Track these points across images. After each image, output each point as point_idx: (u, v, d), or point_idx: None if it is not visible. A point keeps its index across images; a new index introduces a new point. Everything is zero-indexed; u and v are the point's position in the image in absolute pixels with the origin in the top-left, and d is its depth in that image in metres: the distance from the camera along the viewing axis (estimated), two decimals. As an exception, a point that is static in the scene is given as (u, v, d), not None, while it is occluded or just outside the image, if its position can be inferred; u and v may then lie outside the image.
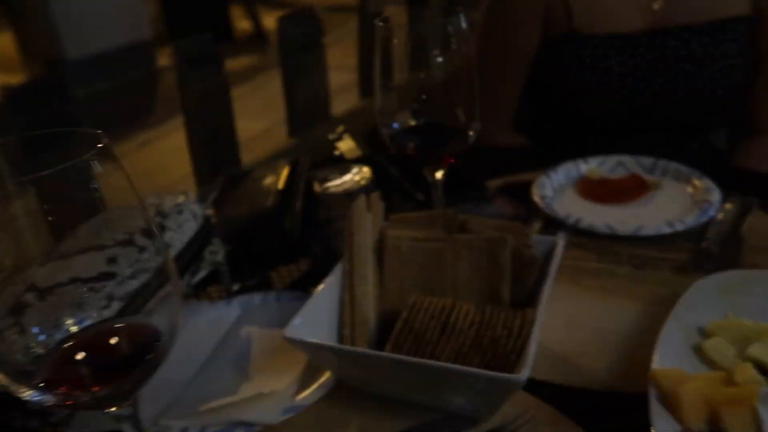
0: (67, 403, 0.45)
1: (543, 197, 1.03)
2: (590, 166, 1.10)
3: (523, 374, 0.54)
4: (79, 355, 0.47)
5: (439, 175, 0.84)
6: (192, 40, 1.13)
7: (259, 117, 4.18)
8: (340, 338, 0.69)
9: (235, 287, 0.88)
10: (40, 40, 5.51)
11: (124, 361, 0.46)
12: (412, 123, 0.82)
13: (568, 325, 0.76)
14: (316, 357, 0.66)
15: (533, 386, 0.67)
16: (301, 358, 0.73)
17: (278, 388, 0.68)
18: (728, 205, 0.95)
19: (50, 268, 0.49)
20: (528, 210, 1.03)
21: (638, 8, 1.23)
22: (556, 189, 1.07)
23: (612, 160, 1.11)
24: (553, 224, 0.98)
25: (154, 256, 0.48)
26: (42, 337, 0.48)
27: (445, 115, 0.81)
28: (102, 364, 0.46)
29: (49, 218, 0.45)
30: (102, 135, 0.42)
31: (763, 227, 0.90)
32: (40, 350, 0.48)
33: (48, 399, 0.45)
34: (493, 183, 1.12)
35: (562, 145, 1.34)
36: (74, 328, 0.50)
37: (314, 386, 0.69)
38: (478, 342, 0.61)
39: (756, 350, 0.63)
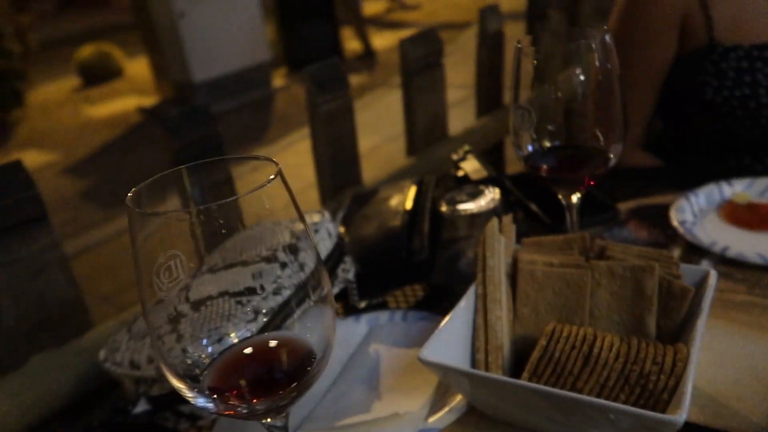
0: (227, 412, 0.48)
1: (683, 222, 0.97)
2: (736, 190, 1.03)
3: (680, 415, 0.51)
4: (242, 368, 0.49)
5: (575, 198, 0.82)
6: (321, 65, 1.18)
7: (371, 133, 4.28)
8: (474, 363, 0.68)
9: (362, 304, 0.90)
10: (172, 65, 6.00)
11: (284, 376, 0.48)
12: (548, 144, 0.80)
13: (718, 362, 0.71)
14: (450, 380, 0.66)
15: (683, 429, 0.63)
16: (432, 379, 0.73)
17: (411, 409, 0.69)
18: None
19: (201, 281, 0.53)
20: (665, 235, 0.97)
21: None
22: (697, 213, 1.00)
23: (761, 182, 1.03)
24: (694, 252, 0.91)
25: (296, 273, 0.50)
26: (196, 346, 0.52)
27: (585, 135, 0.79)
28: (263, 377, 0.49)
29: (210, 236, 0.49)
30: (275, 162, 0.45)
31: None
32: (195, 357, 0.51)
33: (212, 406, 0.47)
34: (626, 206, 1.07)
35: (700, 164, 1.25)
36: (231, 337, 0.54)
37: (446, 409, 0.68)
38: (624, 376, 0.58)
39: None
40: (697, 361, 0.70)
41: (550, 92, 0.79)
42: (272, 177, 0.44)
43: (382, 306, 0.90)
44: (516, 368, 0.68)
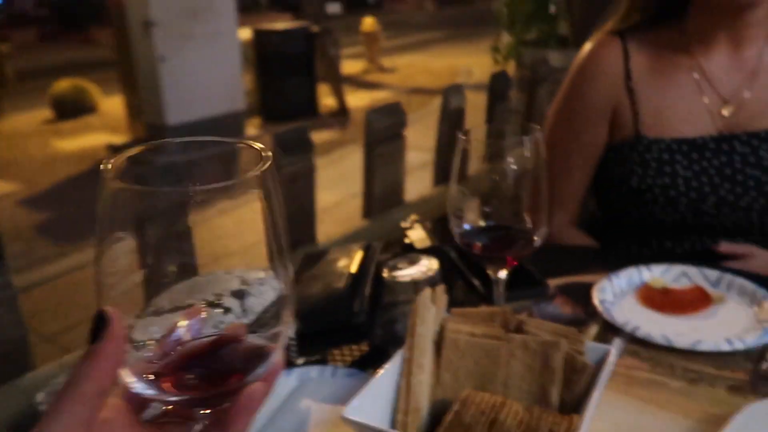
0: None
1: (603, 301, 1.06)
2: (653, 274, 1.13)
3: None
4: (186, 360, 0.51)
5: (502, 273, 0.90)
6: (289, 131, 1.27)
7: (334, 188, 4.37)
8: (393, 423, 0.74)
9: (300, 361, 0.96)
10: (147, 106, 6.08)
11: (226, 370, 0.51)
12: (482, 224, 0.89)
13: (619, 428, 0.78)
14: (370, 438, 0.72)
15: (577, 492, 0.69)
16: (357, 436, 0.79)
17: (334, 464, 0.73)
18: (792, 327, 0.95)
19: (145, 322, 0.57)
20: (586, 312, 1.06)
21: (708, 114, 1.27)
22: (616, 294, 1.10)
23: (676, 269, 1.13)
24: (610, 329, 1.00)
25: (239, 318, 0.52)
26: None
27: (514, 219, 0.88)
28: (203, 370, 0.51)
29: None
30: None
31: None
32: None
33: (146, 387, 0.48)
34: (556, 282, 1.16)
35: (626, 246, 1.36)
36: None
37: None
38: (531, 445, 0.65)
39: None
40: (594, 431, 0.77)
41: (488, 179, 0.89)
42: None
43: (319, 363, 0.95)
44: (432, 430, 0.74)
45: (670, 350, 0.93)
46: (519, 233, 0.90)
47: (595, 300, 1.06)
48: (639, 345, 0.95)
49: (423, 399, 0.75)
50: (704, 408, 0.81)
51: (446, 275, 1.11)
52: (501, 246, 0.90)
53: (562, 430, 0.65)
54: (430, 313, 0.82)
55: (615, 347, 0.97)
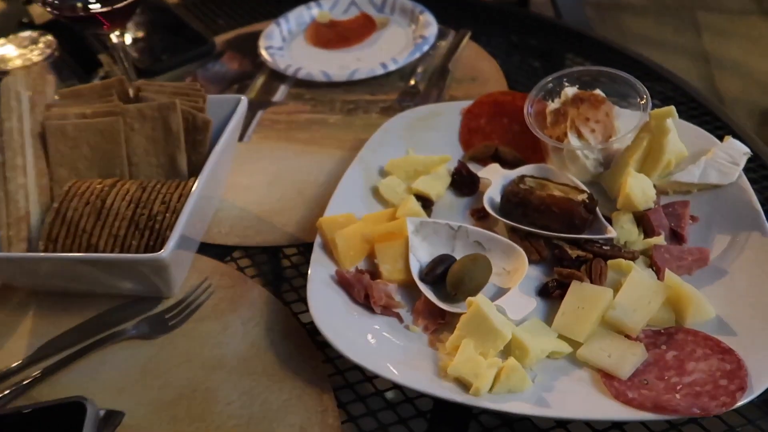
0: None
1: (269, 48, 0.97)
2: (321, 9, 1.05)
3: (164, 252, 0.52)
4: None
5: (116, 38, 0.74)
6: None
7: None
8: None
9: None
10: None
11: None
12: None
13: (271, 183, 0.75)
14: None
15: (224, 252, 0.67)
16: None
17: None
18: (442, 42, 0.96)
19: None
20: (254, 64, 0.97)
21: None
22: (286, 38, 1.01)
23: (344, 0, 1.06)
24: (276, 77, 0.93)
25: None
26: None
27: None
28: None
29: None
30: None
31: (469, 59, 0.92)
32: None
33: None
34: (223, 38, 1.03)
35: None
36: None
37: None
38: (135, 223, 0.58)
39: (419, 184, 0.67)
40: (251, 186, 0.73)
41: None
42: None
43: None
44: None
45: (331, 86, 0.90)
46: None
47: (262, 49, 0.96)
48: (303, 87, 0.90)
49: (27, 206, 0.63)
50: (357, 135, 0.80)
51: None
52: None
53: (174, 199, 0.58)
54: (20, 103, 0.66)
55: (279, 92, 0.92)
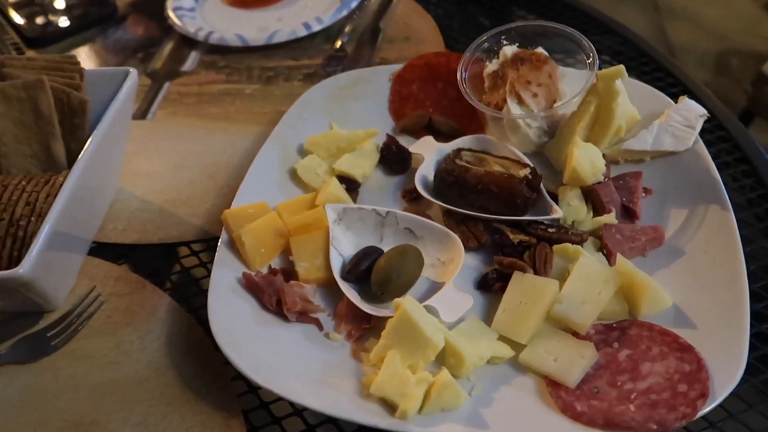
0: None
1: (178, 9, 0.86)
2: (238, -37, 0.93)
3: (22, 267, 0.43)
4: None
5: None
6: None
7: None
8: None
9: None
10: None
11: None
12: None
13: (177, 167, 0.66)
14: None
15: (121, 252, 0.58)
16: None
17: None
18: (373, -6, 0.86)
19: None
20: (162, 28, 0.85)
21: None
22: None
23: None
24: (186, 42, 0.82)
25: None
26: None
27: None
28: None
29: None
30: None
31: (402, 17, 0.83)
32: None
33: None
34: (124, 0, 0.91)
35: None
36: None
37: None
38: (7, 230, 0.48)
39: (342, 163, 0.58)
40: (156, 172, 0.64)
41: None
42: None
43: None
44: None
45: (248, 51, 0.79)
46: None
47: (169, 10, 0.85)
48: (216, 54, 0.80)
49: None
50: (277, 107, 0.71)
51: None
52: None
53: (41, 197, 0.49)
54: None
55: (190, 61, 0.81)
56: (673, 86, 0.69)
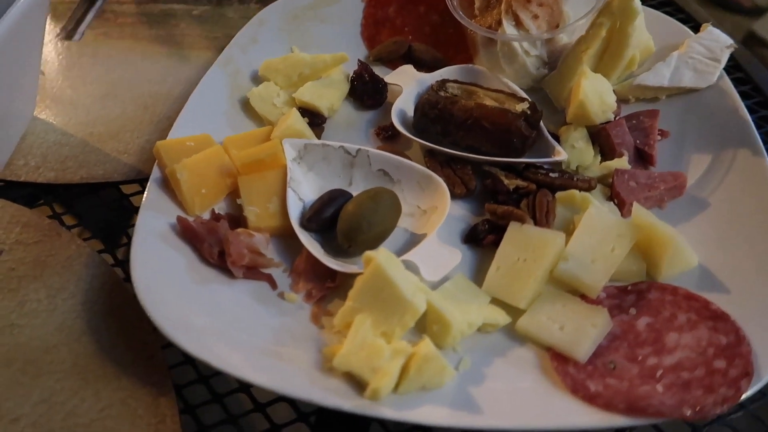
0: None
1: None
2: None
3: None
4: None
5: None
6: None
7: None
8: None
9: None
10: None
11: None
12: None
13: (106, 96, 0.55)
14: None
15: (34, 193, 0.48)
16: None
17: None
18: None
19: None
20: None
21: None
22: None
23: None
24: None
25: None
26: None
27: None
28: None
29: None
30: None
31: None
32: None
33: None
34: None
35: None
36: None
37: None
38: None
39: (305, 93, 0.49)
40: (81, 102, 0.53)
41: None
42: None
43: None
44: None
45: (198, -33, 0.68)
46: None
47: None
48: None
49: None
50: (229, 32, 0.59)
51: None
52: None
53: None
54: None
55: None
56: (684, 22, 0.61)
